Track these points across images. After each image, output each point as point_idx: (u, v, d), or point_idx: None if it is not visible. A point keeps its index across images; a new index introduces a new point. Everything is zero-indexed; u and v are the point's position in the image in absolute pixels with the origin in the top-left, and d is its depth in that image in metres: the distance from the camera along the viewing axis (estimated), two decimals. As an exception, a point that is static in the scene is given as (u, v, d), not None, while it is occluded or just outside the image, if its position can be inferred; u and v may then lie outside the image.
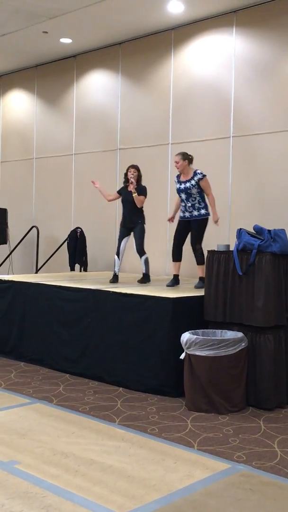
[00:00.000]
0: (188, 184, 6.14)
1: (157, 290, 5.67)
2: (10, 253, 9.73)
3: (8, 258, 9.79)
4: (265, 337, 4.76)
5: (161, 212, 7.90)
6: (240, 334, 4.78)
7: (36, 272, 9.31)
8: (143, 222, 6.59)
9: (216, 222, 6.21)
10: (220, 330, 5.02)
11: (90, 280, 6.87)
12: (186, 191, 6.16)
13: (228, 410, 4.58)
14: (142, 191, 6.53)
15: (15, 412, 4.43)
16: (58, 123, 9.67)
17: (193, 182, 6.13)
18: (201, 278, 6.10)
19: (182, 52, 7.97)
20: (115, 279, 6.54)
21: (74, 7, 7.35)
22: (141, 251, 6.57)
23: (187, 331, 4.85)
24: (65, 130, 9.54)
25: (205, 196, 6.22)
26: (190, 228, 6.23)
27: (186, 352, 4.69)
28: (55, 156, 9.70)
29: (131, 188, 6.49)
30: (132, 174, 6.55)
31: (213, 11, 7.42)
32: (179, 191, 6.23)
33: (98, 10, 7.40)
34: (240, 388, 4.68)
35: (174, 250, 6.35)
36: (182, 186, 6.18)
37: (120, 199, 6.77)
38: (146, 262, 6.57)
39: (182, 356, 4.75)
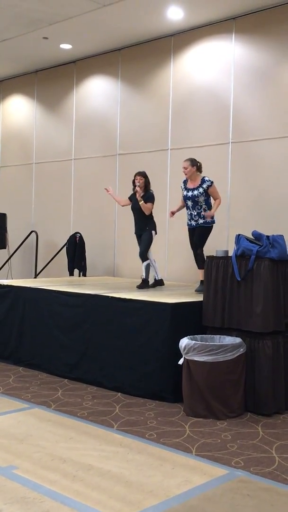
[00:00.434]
0: (196, 192, 6.16)
1: (156, 295, 5.68)
2: (9, 258, 9.74)
3: (7, 263, 9.79)
4: (264, 343, 4.77)
5: (161, 217, 7.91)
6: (238, 340, 4.79)
7: (35, 277, 9.31)
8: (151, 229, 6.63)
9: (207, 216, 6.17)
10: (218, 336, 5.02)
11: (89, 285, 6.87)
12: (194, 199, 6.18)
13: (226, 416, 4.58)
14: (148, 198, 6.56)
15: (13, 417, 4.43)
16: (58, 128, 9.70)
17: (201, 189, 6.15)
18: (202, 282, 6.10)
19: (181, 58, 8.00)
20: (142, 284, 6.56)
21: (74, 13, 7.39)
22: (143, 257, 6.62)
23: (186, 336, 4.86)
24: (65, 135, 9.57)
25: (211, 205, 6.23)
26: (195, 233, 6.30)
27: (184, 358, 4.69)
28: (54, 161, 9.72)
29: (138, 196, 6.53)
30: (138, 182, 6.58)
31: (213, 18, 7.46)
32: (185, 198, 6.27)
33: (98, 16, 7.44)
34: (238, 393, 4.68)
35: (196, 257, 6.42)
36: (190, 193, 6.21)
37: (130, 206, 6.81)
38: (147, 267, 6.61)
39: (180, 362, 4.76)
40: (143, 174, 6.65)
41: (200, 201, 6.17)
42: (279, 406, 4.79)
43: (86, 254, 8.82)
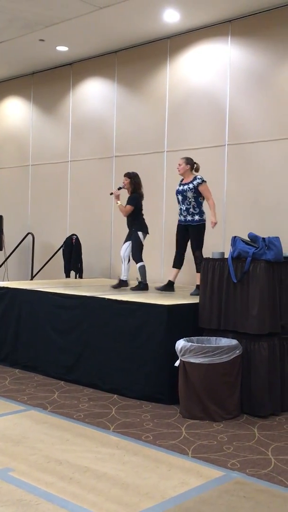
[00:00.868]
0: (185, 187, 6.23)
1: (152, 297, 5.68)
2: (6, 260, 9.73)
3: (3, 265, 9.79)
4: (260, 345, 4.78)
5: (157, 219, 7.93)
6: (234, 342, 4.79)
7: (32, 279, 9.31)
8: (136, 229, 6.62)
9: (213, 225, 6.23)
10: (214, 338, 5.03)
11: (86, 287, 6.87)
12: (182, 193, 6.25)
13: (222, 418, 4.59)
14: (129, 200, 6.60)
15: (9, 419, 4.42)
16: (54, 130, 9.70)
17: (191, 185, 6.20)
18: (198, 286, 6.12)
19: (177, 61, 8.02)
20: (117, 284, 6.64)
21: (71, 16, 7.40)
22: (136, 259, 6.61)
23: (182, 338, 4.86)
24: (61, 137, 9.57)
25: (202, 203, 6.26)
26: (189, 234, 6.29)
27: (180, 359, 4.69)
28: (51, 163, 9.73)
29: (114, 197, 6.64)
30: (124, 182, 6.66)
31: (209, 21, 7.48)
32: (176, 192, 6.35)
33: (94, 19, 7.45)
34: (234, 395, 4.69)
35: (176, 256, 6.45)
36: (180, 188, 6.30)
37: None
38: (141, 270, 6.61)
39: (176, 363, 4.76)
40: (128, 175, 6.70)
41: (188, 196, 6.20)
42: (275, 408, 4.80)
43: (82, 256, 8.82)
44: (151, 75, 8.31)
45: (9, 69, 9.93)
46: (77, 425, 4.35)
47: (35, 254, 9.60)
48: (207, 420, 4.55)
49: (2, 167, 10.67)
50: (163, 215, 8.00)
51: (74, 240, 8.83)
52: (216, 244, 7.27)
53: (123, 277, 6.73)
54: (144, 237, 6.67)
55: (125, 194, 6.91)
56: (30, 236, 9.62)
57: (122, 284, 6.71)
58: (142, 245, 6.64)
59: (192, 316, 5.25)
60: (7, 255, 9.72)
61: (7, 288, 6.53)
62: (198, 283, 6.09)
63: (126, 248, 6.71)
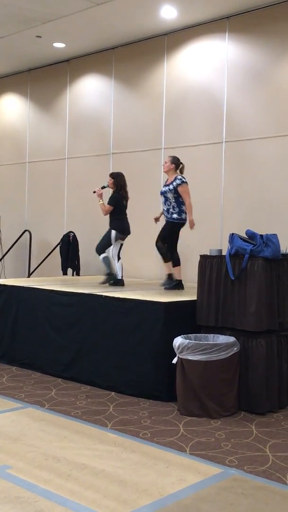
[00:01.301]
0: (166, 188, 6.27)
1: (150, 295, 5.68)
2: (3, 257, 9.71)
3: (0, 262, 9.77)
4: (257, 342, 4.77)
5: (153, 216, 7.91)
6: (232, 339, 4.79)
7: (29, 276, 9.29)
8: (111, 227, 6.70)
9: (191, 226, 6.26)
10: (212, 335, 5.03)
11: (83, 284, 6.86)
12: (164, 194, 6.30)
13: (220, 415, 4.58)
14: (110, 199, 6.69)
15: (6, 417, 4.42)
16: (51, 127, 9.68)
17: (171, 186, 6.23)
18: (169, 275, 6.32)
19: (175, 58, 8.00)
20: (114, 283, 6.72)
21: (68, 12, 7.37)
22: (97, 251, 6.75)
23: (180, 335, 4.86)
24: (58, 134, 9.55)
25: (182, 203, 6.27)
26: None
27: (178, 357, 4.69)
28: (48, 160, 9.70)
29: (97, 195, 6.74)
30: (108, 182, 6.76)
31: (206, 17, 7.47)
32: (160, 193, 6.42)
33: (91, 15, 7.42)
34: (232, 392, 4.69)
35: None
36: (163, 189, 6.35)
37: None
38: (103, 261, 6.74)
39: (174, 361, 4.76)
40: (112, 175, 6.80)
41: (169, 197, 6.23)
42: (273, 405, 4.80)
43: (79, 253, 8.80)
44: (149, 71, 8.29)
45: (6, 66, 9.90)
46: (75, 422, 4.34)
47: (32, 251, 9.59)
48: (205, 417, 4.55)
49: (-1, 164, 10.66)
50: (159, 212, 7.98)
51: (71, 238, 8.82)
52: (213, 241, 7.27)
53: (118, 276, 6.76)
54: (119, 237, 6.69)
55: (106, 189, 6.88)
56: (27, 233, 9.60)
57: (118, 283, 6.73)
58: (111, 243, 6.70)
59: (190, 313, 5.24)
60: (4, 253, 9.70)
61: (4, 285, 6.52)
62: (178, 278, 6.31)
63: (111, 248, 6.81)
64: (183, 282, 6.42)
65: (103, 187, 6.81)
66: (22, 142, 10.16)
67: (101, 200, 6.69)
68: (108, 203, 6.66)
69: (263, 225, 6.52)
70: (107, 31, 8.03)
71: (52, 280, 7.37)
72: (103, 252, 6.74)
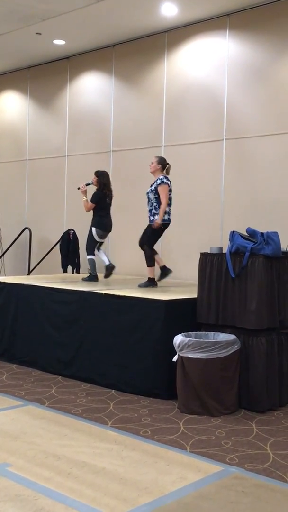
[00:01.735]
0: (148, 189, 6.27)
1: (150, 292, 5.67)
2: (2, 255, 9.71)
3: (0, 260, 9.76)
4: (258, 340, 4.77)
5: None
6: (232, 337, 4.79)
7: (28, 274, 9.28)
8: (92, 225, 6.86)
9: (154, 226, 6.20)
10: (212, 333, 5.02)
11: (83, 282, 6.85)
12: (147, 194, 6.29)
13: (220, 413, 4.58)
14: (92, 197, 6.83)
15: (7, 414, 4.41)
16: (51, 124, 9.66)
17: (152, 187, 6.23)
18: (149, 279, 6.28)
19: (175, 55, 7.98)
20: (107, 273, 6.90)
21: (68, 9, 7.35)
22: (86, 251, 6.93)
23: (180, 333, 4.85)
24: (58, 131, 9.53)
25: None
26: None
27: (178, 355, 4.68)
28: (47, 157, 9.69)
29: (81, 192, 6.95)
30: (93, 180, 6.93)
31: (207, 14, 7.44)
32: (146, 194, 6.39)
33: (91, 12, 7.40)
34: (232, 390, 4.69)
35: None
36: (147, 190, 6.32)
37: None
38: (89, 262, 6.90)
39: (174, 359, 4.75)
40: (96, 173, 6.95)
41: (151, 198, 6.23)
42: (273, 403, 4.80)
43: (79, 251, 8.79)
44: (149, 69, 8.27)
45: (6, 63, 9.87)
46: (75, 420, 4.34)
47: (32, 249, 9.58)
48: (205, 415, 4.55)
49: (-2, 161, 10.64)
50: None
51: (71, 235, 8.80)
52: (214, 239, 7.26)
53: (107, 263, 6.94)
54: (100, 234, 6.87)
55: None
56: (27, 231, 9.59)
57: (109, 270, 6.93)
58: (96, 241, 6.88)
59: (190, 311, 5.24)
60: (4, 250, 9.69)
61: (4, 283, 6.51)
62: (150, 276, 6.28)
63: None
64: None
65: (87, 184, 6.98)
66: (22, 139, 10.15)
67: (84, 197, 6.89)
68: (91, 200, 6.83)
69: (263, 223, 6.51)
70: (107, 28, 8.01)
71: (52, 278, 7.36)
72: (92, 252, 6.92)
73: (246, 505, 2.99)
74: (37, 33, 8.29)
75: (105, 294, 5.54)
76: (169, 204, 6.26)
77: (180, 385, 4.69)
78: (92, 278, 6.87)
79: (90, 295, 5.66)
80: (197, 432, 4.15)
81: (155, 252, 6.45)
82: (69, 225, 9.10)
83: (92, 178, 7.01)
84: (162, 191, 6.12)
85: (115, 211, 7.92)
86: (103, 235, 6.95)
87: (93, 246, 6.92)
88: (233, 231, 5.07)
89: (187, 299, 5.35)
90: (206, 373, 4.56)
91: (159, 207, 6.17)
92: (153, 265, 6.34)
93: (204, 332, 5.04)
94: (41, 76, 9.80)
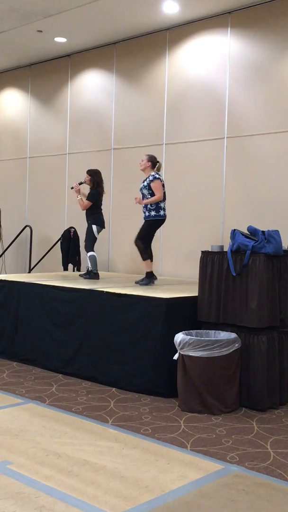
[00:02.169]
0: (141, 185, 6.32)
1: (151, 291, 5.66)
2: (3, 252, 9.70)
3: (1, 258, 9.76)
4: (259, 338, 4.77)
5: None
6: (233, 335, 4.78)
7: (29, 272, 9.28)
8: (91, 223, 7.05)
9: (136, 200, 6.30)
10: (213, 331, 5.02)
11: (84, 280, 6.85)
12: (140, 190, 6.33)
13: (221, 411, 4.58)
14: (88, 196, 7.03)
15: (7, 412, 4.41)
16: (52, 122, 9.65)
17: (145, 183, 6.29)
18: (147, 274, 6.33)
19: (176, 53, 7.97)
20: (86, 275, 7.04)
21: (69, 6, 7.34)
22: (86, 249, 7.04)
23: (181, 331, 4.85)
24: (59, 129, 9.52)
25: (159, 201, 6.27)
26: None
27: (179, 353, 4.68)
28: (48, 155, 9.68)
29: (75, 191, 7.11)
30: (85, 179, 7.09)
31: (208, 12, 7.43)
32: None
33: (93, 10, 7.39)
34: (233, 389, 4.69)
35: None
36: (140, 186, 6.36)
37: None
38: (91, 259, 6.97)
39: (175, 357, 4.75)
40: (89, 172, 7.15)
41: (144, 194, 6.28)
42: (274, 401, 4.79)
43: (80, 249, 8.78)
44: (150, 67, 8.26)
45: (7, 61, 9.86)
46: (76, 418, 4.34)
47: (33, 247, 9.57)
48: (206, 413, 4.55)
49: (-1, 159, 10.63)
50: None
51: (72, 233, 8.80)
52: (215, 237, 7.25)
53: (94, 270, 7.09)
54: (99, 230, 7.07)
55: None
56: (28, 229, 9.59)
57: (90, 275, 7.06)
58: (95, 238, 7.05)
59: (191, 310, 5.23)
60: (5, 248, 9.69)
61: (5, 281, 6.51)
62: (148, 270, 6.33)
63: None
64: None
65: (80, 183, 7.13)
66: (23, 137, 10.14)
67: (78, 196, 7.04)
68: (88, 199, 6.98)
69: (265, 221, 6.51)
70: (108, 26, 7.99)
71: (53, 276, 7.36)
72: (93, 249, 7.03)
73: (247, 503, 2.99)
74: (38, 31, 8.28)
75: (106, 292, 5.54)
76: (163, 200, 6.29)
77: (180, 384, 4.69)
78: (93, 275, 6.91)
79: (91, 293, 5.66)
80: (198, 431, 4.15)
81: (151, 256, 6.47)
82: (70, 223, 9.10)
83: (84, 177, 7.14)
84: (156, 186, 6.18)
85: (116, 209, 7.93)
86: (99, 231, 7.10)
87: (93, 243, 7.03)
88: (234, 230, 5.07)
89: (188, 297, 5.35)
90: (207, 371, 4.56)
91: (154, 204, 6.25)
92: (148, 258, 6.37)
93: (205, 331, 5.04)
94: (42, 74, 9.78)
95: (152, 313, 5.10)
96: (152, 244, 6.49)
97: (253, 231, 5.01)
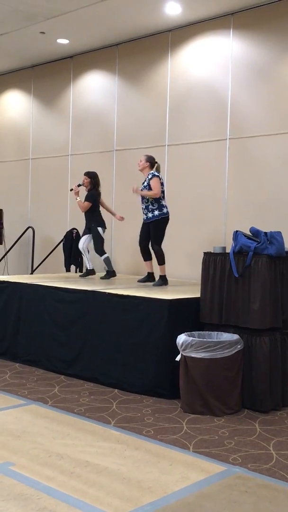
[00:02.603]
0: (141, 186, 6.34)
1: (153, 292, 5.66)
2: (6, 254, 9.71)
3: (3, 259, 9.77)
4: (261, 340, 4.76)
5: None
6: (236, 336, 4.78)
7: (32, 273, 9.29)
8: (96, 225, 7.08)
9: (133, 189, 6.32)
10: (216, 332, 5.01)
11: (86, 281, 6.85)
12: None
13: (223, 412, 4.58)
14: (87, 197, 7.08)
15: (10, 413, 4.41)
16: (55, 123, 9.66)
17: (145, 183, 6.32)
18: (161, 277, 6.35)
19: (179, 54, 7.97)
20: (85, 273, 7.18)
21: (72, 8, 7.35)
22: (99, 252, 7.08)
23: (183, 333, 4.85)
24: (62, 130, 9.53)
25: (159, 198, 6.29)
26: (149, 230, 6.41)
27: (182, 354, 4.68)
28: (51, 156, 9.69)
29: (74, 193, 7.20)
30: (83, 181, 7.15)
31: (210, 13, 7.43)
32: None
33: (95, 11, 7.40)
34: (235, 390, 4.68)
35: (142, 252, 6.60)
36: (140, 187, 6.37)
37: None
38: (106, 260, 7.05)
39: (178, 358, 4.75)
40: (88, 174, 7.22)
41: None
42: (276, 403, 4.79)
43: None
44: (153, 68, 8.26)
45: (9, 62, 9.87)
46: (78, 419, 4.34)
47: (35, 248, 9.58)
48: (208, 415, 4.54)
49: (2, 160, 10.63)
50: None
51: (74, 234, 8.80)
52: (217, 238, 7.25)
53: (89, 267, 7.28)
54: (104, 231, 7.17)
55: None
56: (30, 230, 9.59)
57: (89, 273, 7.26)
58: (103, 239, 7.15)
59: (194, 311, 5.23)
60: (7, 249, 9.70)
61: (7, 282, 6.52)
62: (160, 273, 6.36)
63: (84, 241, 7.26)
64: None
65: (79, 185, 7.20)
66: (25, 138, 10.15)
67: (78, 198, 7.13)
68: (87, 200, 7.05)
69: (267, 223, 6.50)
70: (111, 27, 8.00)
71: (55, 277, 7.36)
72: (104, 251, 7.09)
73: (249, 505, 2.98)
74: (40, 32, 8.29)
75: (108, 293, 5.54)
76: (163, 198, 6.34)
77: (183, 385, 4.69)
78: (111, 274, 7.03)
79: (93, 294, 5.66)
80: (200, 432, 4.15)
81: (150, 257, 6.50)
82: (73, 224, 9.10)
83: (83, 179, 7.22)
84: (154, 183, 6.22)
85: (118, 210, 7.93)
86: (103, 232, 7.19)
87: (103, 244, 7.09)
88: (237, 231, 5.07)
89: (191, 298, 5.35)
90: (209, 372, 4.56)
91: (155, 202, 6.28)
92: (164, 263, 6.41)
93: (207, 332, 5.04)
94: (45, 75, 9.79)
95: (154, 314, 5.10)
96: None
97: (255, 232, 5.00)
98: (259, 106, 7.14)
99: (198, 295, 5.31)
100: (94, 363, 5.51)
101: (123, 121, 8.63)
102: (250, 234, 5.04)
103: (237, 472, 3.42)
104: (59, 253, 8.95)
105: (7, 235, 9.84)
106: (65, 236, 8.91)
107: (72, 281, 6.75)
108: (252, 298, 4.80)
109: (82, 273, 7.45)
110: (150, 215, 6.30)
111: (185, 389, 4.66)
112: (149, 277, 6.61)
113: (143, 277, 6.72)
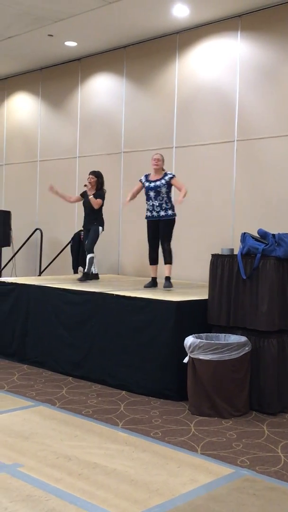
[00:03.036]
0: (158, 183, 6.31)
1: (161, 294, 5.66)
2: (14, 256, 9.74)
3: (11, 261, 9.80)
4: (269, 342, 4.75)
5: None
6: (243, 338, 4.77)
7: (39, 275, 9.31)
8: (98, 224, 7.10)
9: (179, 202, 6.22)
10: (223, 334, 5.01)
11: (93, 283, 6.86)
12: (156, 189, 6.30)
13: (231, 415, 4.57)
14: (99, 195, 7.09)
15: (18, 415, 4.43)
16: (63, 126, 9.68)
17: (163, 181, 6.31)
18: (167, 278, 6.28)
19: (186, 56, 7.98)
20: (82, 277, 7.06)
21: (79, 11, 7.37)
22: (88, 249, 7.09)
23: (191, 334, 4.85)
24: (69, 133, 9.56)
25: (171, 198, 6.32)
26: (159, 228, 6.36)
27: (189, 356, 4.68)
28: (59, 159, 9.71)
29: (88, 191, 7.11)
30: (90, 180, 7.12)
31: (218, 15, 7.43)
32: (148, 189, 6.36)
33: (103, 14, 7.42)
34: (243, 392, 4.67)
35: (151, 254, 6.50)
36: (152, 184, 6.34)
37: (81, 202, 7.35)
38: (90, 261, 7.04)
39: (185, 360, 4.74)
40: (95, 174, 7.20)
41: (162, 192, 6.28)
42: (284, 405, 4.77)
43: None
44: (160, 70, 8.27)
45: (18, 65, 9.92)
46: (86, 421, 4.34)
47: (43, 250, 9.61)
48: (216, 417, 4.53)
49: (10, 162, 10.68)
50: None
51: (82, 236, 8.81)
52: (225, 240, 7.24)
53: (94, 271, 7.28)
54: (102, 231, 7.22)
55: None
56: (38, 232, 9.62)
57: (93, 277, 7.20)
58: (97, 239, 7.15)
59: (201, 313, 5.23)
60: (15, 251, 9.73)
61: (15, 283, 6.54)
62: (167, 274, 6.29)
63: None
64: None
65: (85, 185, 7.19)
66: (33, 140, 10.18)
67: (91, 195, 7.10)
68: (100, 198, 7.04)
69: (275, 224, 6.49)
70: (118, 29, 8.02)
71: (62, 279, 7.38)
72: (93, 251, 7.11)
73: (257, 508, 2.97)
74: (49, 35, 8.32)
75: (116, 295, 5.54)
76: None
77: (191, 387, 4.69)
78: (94, 276, 7.09)
79: (101, 296, 5.67)
80: (208, 434, 4.14)
81: (157, 261, 6.49)
82: (80, 226, 9.08)
83: (89, 178, 7.16)
84: (178, 181, 6.31)
85: (125, 212, 7.94)
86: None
87: (95, 244, 7.12)
88: (245, 233, 5.06)
89: (198, 300, 5.35)
90: (217, 375, 4.55)
91: (169, 202, 6.30)
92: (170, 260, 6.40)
93: (215, 334, 5.03)
94: (53, 77, 9.83)
95: (162, 316, 5.10)
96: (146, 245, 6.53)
97: (263, 234, 4.99)
98: (266, 108, 7.13)
99: (205, 297, 5.30)
100: (102, 365, 5.52)
101: (130, 123, 8.64)
102: (258, 236, 5.03)
103: (245, 474, 3.41)
104: (67, 255, 8.97)
105: (15, 237, 9.87)
106: (72, 238, 8.92)
107: (79, 283, 6.75)
108: (260, 300, 4.79)
109: (80, 277, 7.32)
110: (162, 213, 6.29)
111: (193, 391, 4.66)
112: (154, 282, 6.52)
113: (148, 282, 6.61)
